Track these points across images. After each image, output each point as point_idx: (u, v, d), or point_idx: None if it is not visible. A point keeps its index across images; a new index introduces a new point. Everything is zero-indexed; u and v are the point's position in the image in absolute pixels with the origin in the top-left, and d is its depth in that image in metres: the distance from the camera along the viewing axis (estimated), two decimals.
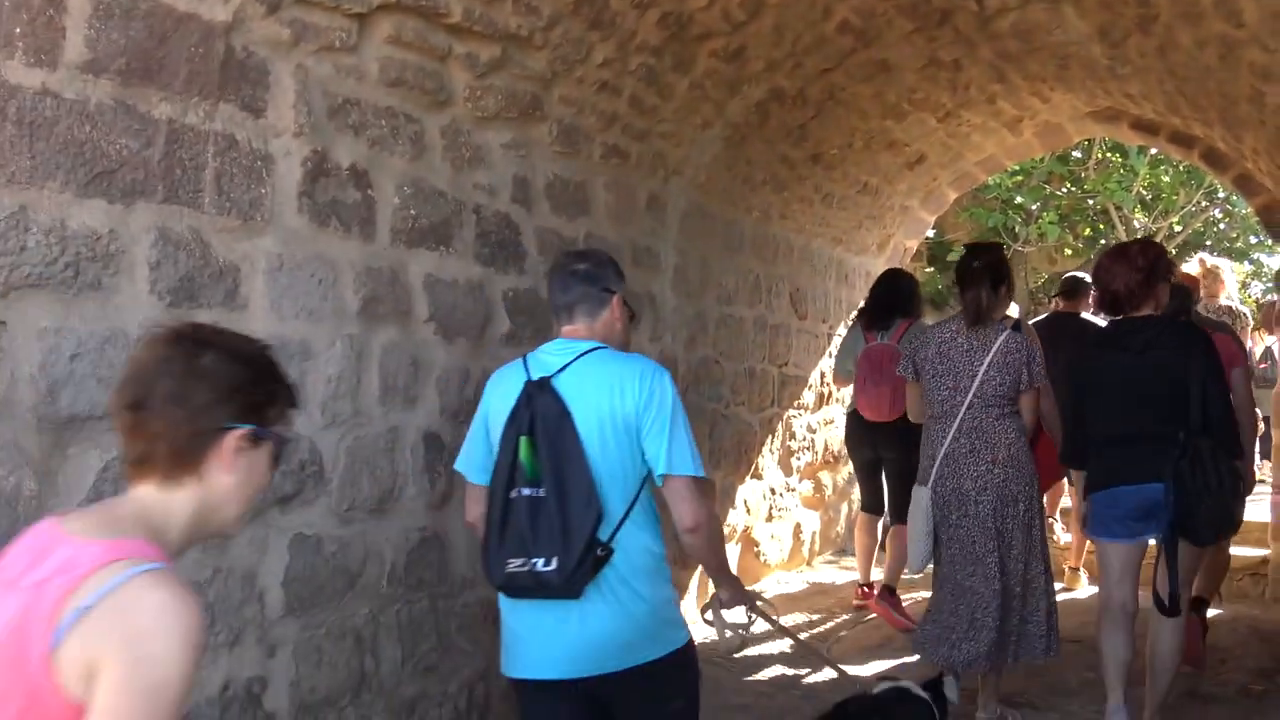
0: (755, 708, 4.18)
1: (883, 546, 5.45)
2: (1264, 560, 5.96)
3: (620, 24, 3.59)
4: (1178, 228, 13.69)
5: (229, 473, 1.36)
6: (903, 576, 5.14)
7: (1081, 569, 5.84)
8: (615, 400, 2.28)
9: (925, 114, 5.82)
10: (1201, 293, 6.00)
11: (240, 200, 2.52)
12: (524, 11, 3.20)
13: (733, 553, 5.63)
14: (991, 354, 3.60)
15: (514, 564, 2.26)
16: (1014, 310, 5.03)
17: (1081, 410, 3.57)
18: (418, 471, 3.14)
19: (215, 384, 1.34)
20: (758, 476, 5.83)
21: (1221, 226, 14.81)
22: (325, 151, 2.77)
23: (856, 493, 7.31)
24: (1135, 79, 5.34)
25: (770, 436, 5.95)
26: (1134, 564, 3.54)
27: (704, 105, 4.40)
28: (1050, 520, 5.61)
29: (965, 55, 5.09)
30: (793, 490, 6.29)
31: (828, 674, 4.18)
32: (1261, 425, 6.10)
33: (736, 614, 2.67)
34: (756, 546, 5.91)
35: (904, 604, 5.14)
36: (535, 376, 2.33)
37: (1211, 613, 4.80)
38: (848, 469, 7.14)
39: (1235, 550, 5.05)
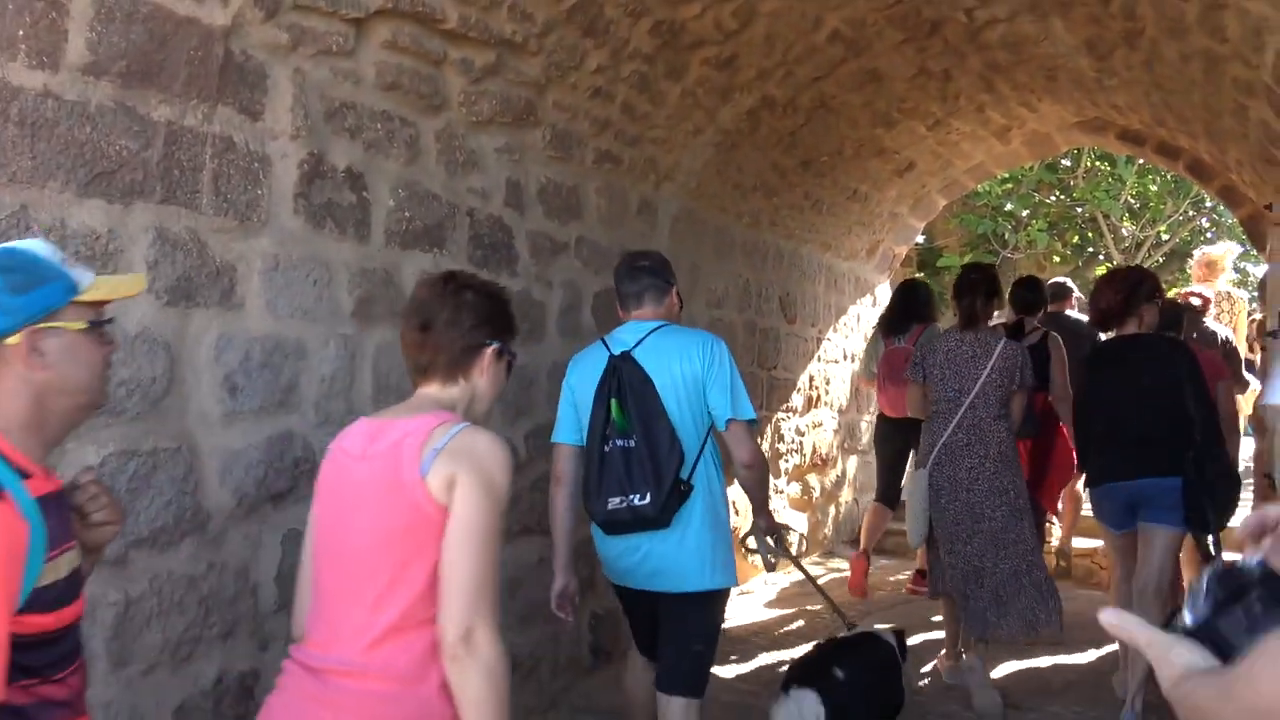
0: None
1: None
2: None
3: (614, 31, 3.64)
4: (1165, 236, 13.81)
5: (484, 376, 1.92)
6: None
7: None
8: (685, 364, 2.82)
9: (915, 122, 5.89)
10: (1213, 309, 6.28)
11: (237, 201, 2.56)
12: (519, 18, 3.25)
13: None
14: (993, 360, 4.01)
15: (614, 502, 2.78)
16: (999, 316, 5.21)
17: (1082, 417, 4.06)
18: None
19: (477, 313, 1.90)
20: None
21: (1209, 235, 14.94)
22: (321, 154, 2.81)
23: (846, 495, 7.43)
24: (1122, 91, 5.42)
25: (759, 438, 6.00)
26: (1128, 549, 3.92)
27: (696, 112, 4.46)
28: (1051, 517, 5.75)
29: (954, 65, 5.16)
30: (780, 493, 6.34)
31: None
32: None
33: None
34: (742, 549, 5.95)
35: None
36: (617, 352, 2.86)
37: None
38: (835, 472, 7.20)
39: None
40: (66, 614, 1.45)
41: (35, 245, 1.53)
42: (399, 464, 1.72)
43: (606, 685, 4.18)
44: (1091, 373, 4.05)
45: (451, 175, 3.33)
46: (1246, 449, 6.93)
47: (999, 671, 4.43)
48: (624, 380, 2.79)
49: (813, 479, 6.86)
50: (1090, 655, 4.78)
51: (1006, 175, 12.26)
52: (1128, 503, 3.78)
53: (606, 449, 2.79)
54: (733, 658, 4.76)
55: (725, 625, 3.63)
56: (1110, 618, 0.93)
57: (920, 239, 14.04)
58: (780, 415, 6.30)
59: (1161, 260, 13.74)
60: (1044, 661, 4.68)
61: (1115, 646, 4.47)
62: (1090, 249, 13.62)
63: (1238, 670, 0.81)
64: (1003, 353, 4.02)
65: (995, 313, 4.41)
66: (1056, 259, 13.49)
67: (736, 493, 3.80)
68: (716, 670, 3.45)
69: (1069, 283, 6.27)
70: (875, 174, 6.43)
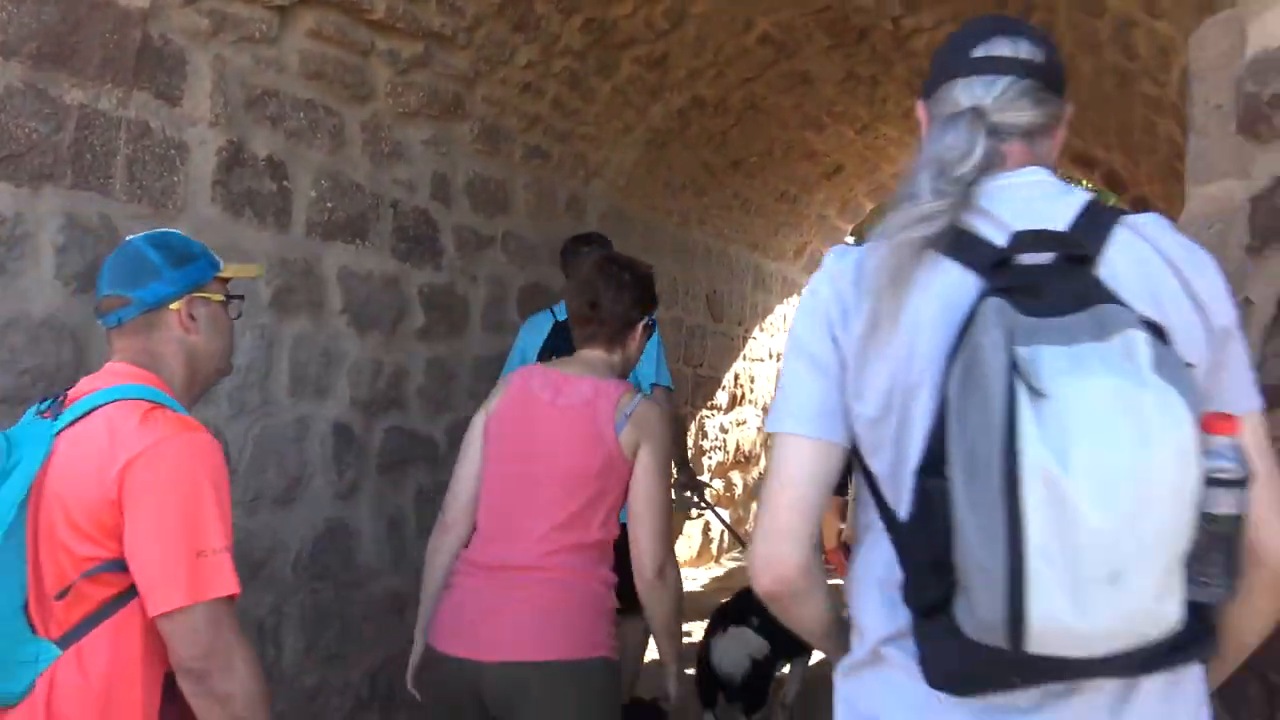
0: None
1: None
2: None
3: (544, 27, 3.64)
4: None
5: (634, 344, 2.27)
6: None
7: None
8: None
9: (843, 126, 5.99)
10: None
11: (152, 188, 2.52)
12: (448, 11, 3.24)
13: None
14: None
15: None
16: None
17: None
18: (326, 461, 3.16)
19: (633, 293, 2.23)
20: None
21: None
22: (241, 142, 2.77)
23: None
24: None
25: (684, 434, 6.06)
26: None
27: (626, 110, 4.48)
28: None
29: (882, 72, 5.26)
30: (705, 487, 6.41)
31: None
32: None
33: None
34: None
35: None
36: (562, 319, 3.25)
37: None
38: (759, 469, 7.31)
39: None
40: None
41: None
42: (595, 419, 2.09)
43: None
44: None
45: (376, 166, 3.31)
46: None
47: None
48: (560, 347, 3.11)
49: (735, 475, 6.95)
50: None
51: None
52: None
53: None
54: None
55: None
56: None
57: (849, 240, 14.30)
58: (705, 413, 6.37)
59: None
60: None
61: None
62: None
63: None
64: None
65: None
66: None
67: None
68: None
69: None
70: (804, 176, 6.53)
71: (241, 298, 1.83)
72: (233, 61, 2.72)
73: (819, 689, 3.41)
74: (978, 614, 0.99)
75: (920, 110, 1.28)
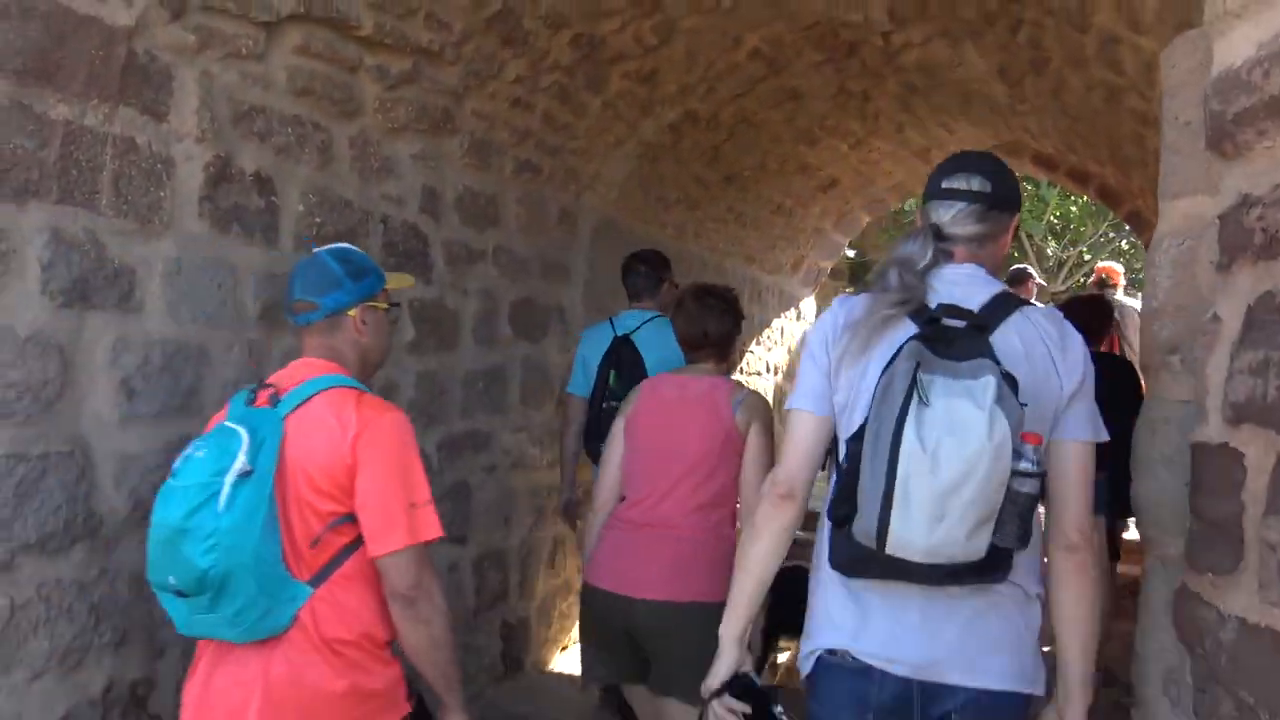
0: None
1: None
2: None
3: (533, 43, 3.67)
4: (1087, 256, 14.24)
5: (736, 352, 2.94)
6: None
7: None
8: (665, 351, 3.51)
9: (837, 140, 6.02)
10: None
11: (138, 203, 2.53)
12: (435, 27, 3.27)
13: None
14: None
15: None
16: None
17: None
18: None
19: (730, 316, 2.83)
20: None
21: (1128, 258, 15.45)
22: (229, 157, 2.79)
23: None
24: (1033, 116, 5.60)
25: None
26: None
27: (617, 124, 4.51)
28: None
29: (873, 86, 5.29)
30: None
31: None
32: None
33: None
34: None
35: None
36: (619, 333, 3.74)
37: None
38: None
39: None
40: None
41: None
42: (715, 407, 2.70)
43: (517, 693, 4.20)
44: None
45: (365, 181, 3.33)
46: None
47: None
48: (621, 358, 3.68)
49: None
50: None
51: None
52: None
53: (604, 406, 3.67)
54: None
55: None
56: None
57: (851, 252, 14.31)
58: None
59: (1084, 280, 14.18)
60: None
61: None
62: (1014, 267, 13.94)
63: None
64: None
65: None
66: None
67: None
68: None
69: (1029, 268, 6.37)
70: (799, 190, 6.55)
71: (398, 305, 2.26)
72: (220, 77, 2.75)
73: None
74: (862, 525, 1.63)
75: (919, 214, 1.94)
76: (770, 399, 7.43)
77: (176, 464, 1.91)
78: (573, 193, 4.60)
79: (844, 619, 1.80)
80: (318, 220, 3.12)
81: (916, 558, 1.58)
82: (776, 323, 7.52)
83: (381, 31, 3.11)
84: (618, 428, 2.83)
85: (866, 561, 1.67)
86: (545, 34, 3.68)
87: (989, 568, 1.62)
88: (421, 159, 3.56)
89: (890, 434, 1.57)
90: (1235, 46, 1.63)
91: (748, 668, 1.99)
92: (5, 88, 2.20)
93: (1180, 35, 1.89)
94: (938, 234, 1.83)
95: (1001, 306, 1.78)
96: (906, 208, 12.32)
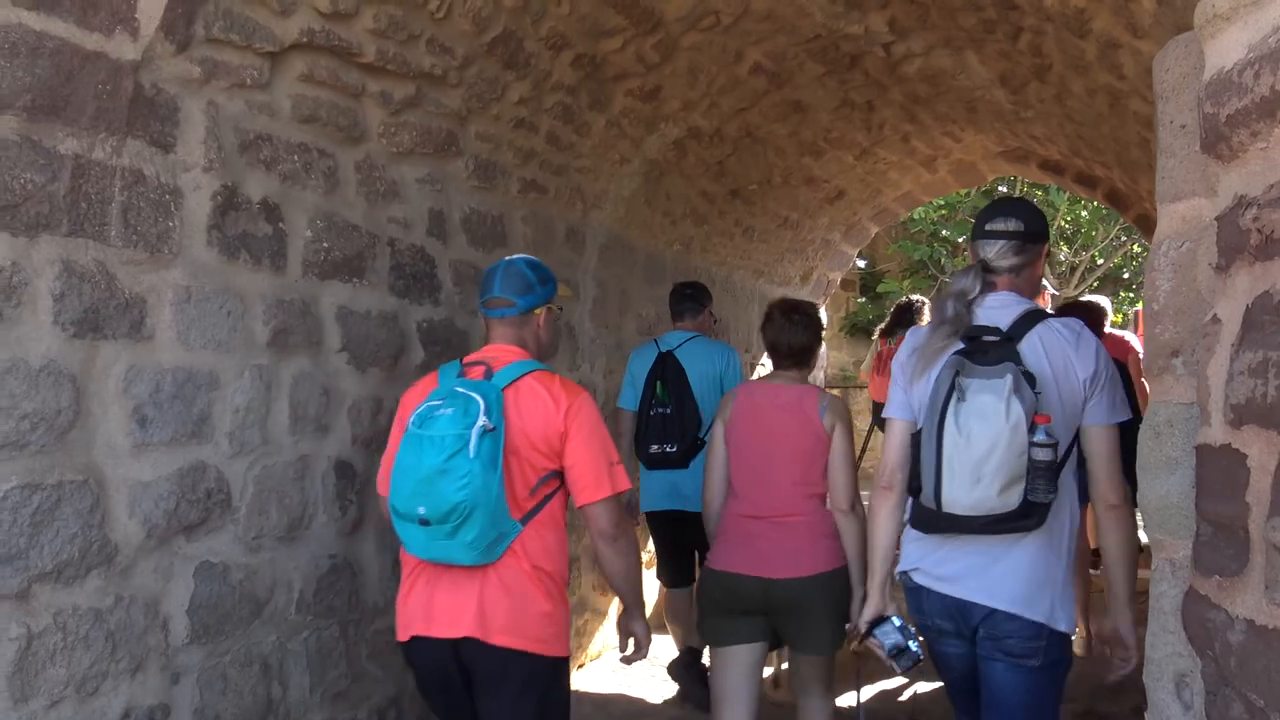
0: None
1: None
2: None
3: (535, 64, 3.70)
4: (1099, 260, 14.18)
5: (815, 363, 3.32)
6: None
7: None
8: (708, 364, 4.18)
9: (842, 152, 6.03)
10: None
11: (148, 233, 2.57)
12: (437, 51, 3.30)
13: (649, 573, 5.72)
14: None
15: (654, 448, 4.23)
16: None
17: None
18: (329, 499, 3.19)
19: (811, 330, 3.27)
20: None
21: (1140, 261, 15.38)
22: (236, 186, 2.83)
23: None
24: (1039, 122, 5.61)
25: None
26: None
27: (621, 142, 4.54)
28: None
29: (877, 97, 5.30)
30: None
31: None
32: None
33: None
34: None
35: None
36: (664, 349, 4.32)
37: None
38: None
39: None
40: None
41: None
42: (805, 411, 3.16)
43: None
44: None
45: (372, 205, 3.36)
46: None
47: None
48: (667, 370, 4.21)
49: None
50: None
51: (942, 202, 12.54)
52: None
53: (652, 413, 4.22)
54: None
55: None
56: None
57: (861, 263, 14.31)
58: None
59: (1096, 285, 14.12)
60: None
61: None
62: None
63: None
64: None
65: None
66: None
67: None
68: None
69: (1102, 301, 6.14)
70: (805, 202, 6.56)
71: (561, 309, 2.80)
72: (225, 107, 2.78)
73: None
74: (926, 493, 2.26)
75: (970, 248, 2.56)
76: None
77: (416, 419, 2.39)
78: (579, 211, 4.62)
79: (916, 557, 2.46)
80: (325, 245, 3.15)
81: (963, 512, 2.19)
82: None
83: (384, 58, 3.14)
84: (718, 434, 3.28)
85: (934, 519, 2.28)
86: (547, 55, 3.71)
87: (1021, 516, 2.18)
88: (427, 182, 3.59)
89: (936, 424, 2.21)
90: (1226, 49, 1.64)
91: (890, 611, 2.60)
92: (15, 124, 2.24)
93: (1172, 39, 1.90)
94: (985, 267, 2.45)
95: (1026, 320, 2.36)
96: (915, 217, 12.32)
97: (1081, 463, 2.39)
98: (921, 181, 7.14)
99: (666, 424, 4.20)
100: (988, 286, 2.42)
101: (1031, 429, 2.12)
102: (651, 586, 5.02)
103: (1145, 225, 6.66)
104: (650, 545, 4.98)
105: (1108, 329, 6.23)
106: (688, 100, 4.59)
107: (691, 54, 4.22)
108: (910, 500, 2.42)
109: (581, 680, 4.78)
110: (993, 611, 2.34)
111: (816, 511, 3.14)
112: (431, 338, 3.64)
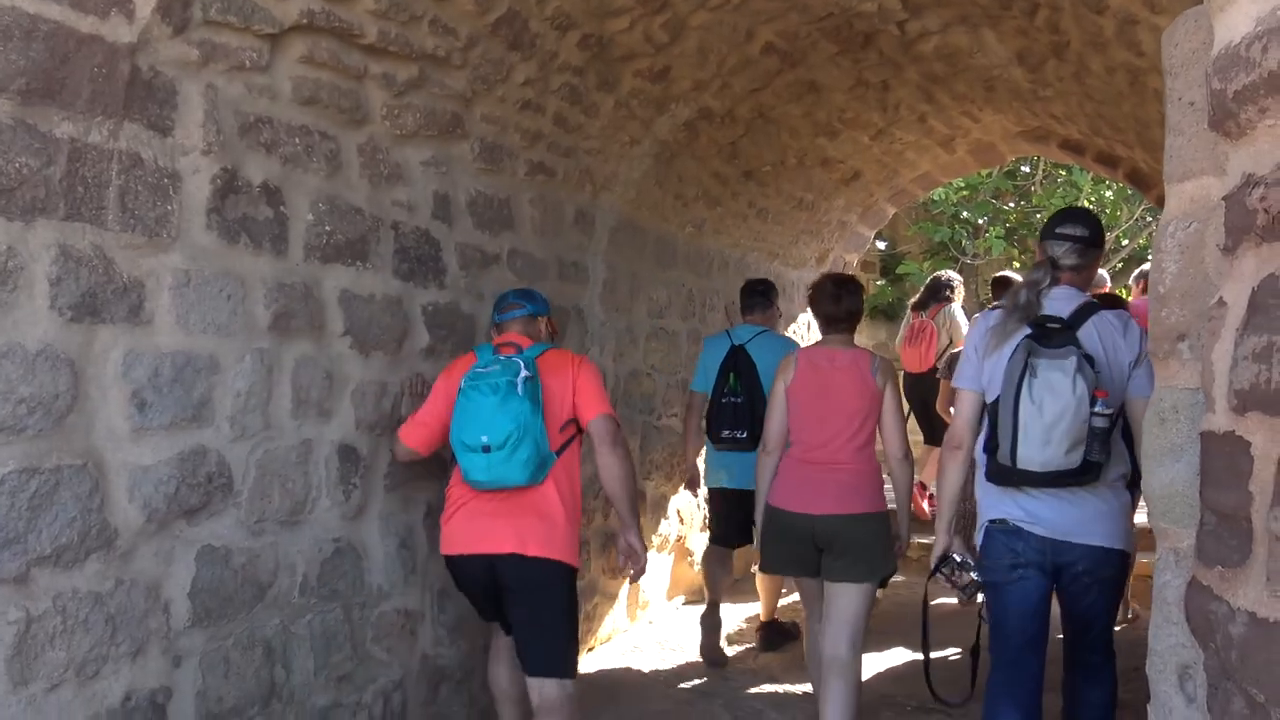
0: (675, 714, 4.26)
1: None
2: None
3: (540, 45, 3.66)
4: (1124, 241, 13.99)
5: (857, 329, 3.88)
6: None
7: None
8: (775, 358, 4.16)
9: (857, 132, 5.95)
10: None
11: (146, 217, 2.56)
12: (441, 32, 3.26)
13: (665, 563, 5.71)
14: None
15: (725, 433, 4.64)
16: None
17: None
18: (332, 483, 3.19)
19: (859, 298, 3.75)
20: None
21: None
22: (235, 169, 2.81)
23: None
24: (1058, 101, 5.50)
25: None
26: None
27: (631, 123, 4.49)
28: None
29: (892, 76, 5.22)
30: None
31: (747, 685, 4.37)
32: None
33: None
34: (690, 556, 5.98)
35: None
36: (736, 343, 4.76)
37: None
38: None
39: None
40: None
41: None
42: (860, 371, 3.59)
43: None
44: None
45: (375, 188, 3.33)
46: None
47: None
48: (739, 363, 4.65)
49: None
50: None
51: (963, 183, 12.39)
52: None
53: (724, 401, 4.64)
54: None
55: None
56: None
57: (881, 245, 14.16)
58: None
59: (1120, 265, 13.91)
60: None
61: None
62: None
63: None
64: None
65: None
66: (1016, 265, 13.63)
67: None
68: None
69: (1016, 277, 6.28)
70: (820, 183, 6.48)
71: (556, 331, 3.64)
72: (224, 90, 2.76)
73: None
74: (1003, 452, 2.72)
75: (1037, 246, 3.04)
76: None
77: (469, 377, 3.07)
78: (589, 193, 4.58)
79: (1001, 506, 2.85)
80: (328, 228, 3.14)
81: (1035, 468, 2.67)
82: (803, 317, 7.45)
83: (386, 39, 3.11)
84: (779, 390, 3.69)
85: (1008, 473, 2.74)
86: (553, 36, 3.67)
87: (1081, 473, 2.67)
88: (432, 164, 3.57)
89: (1013, 396, 2.67)
90: (1235, 22, 1.58)
91: (955, 549, 3.03)
92: (9, 108, 2.23)
93: (1182, 13, 1.84)
94: (1054, 264, 2.89)
95: (1083, 311, 2.82)
96: (936, 198, 12.17)
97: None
98: (940, 162, 7.04)
99: (738, 412, 4.59)
100: (1054, 281, 2.86)
101: (1092, 401, 2.60)
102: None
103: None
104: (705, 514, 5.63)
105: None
106: (698, 81, 4.53)
107: (701, 33, 4.16)
108: (985, 457, 2.85)
109: (592, 662, 4.78)
110: (1088, 546, 2.79)
111: (867, 461, 3.59)
112: (437, 321, 3.62)
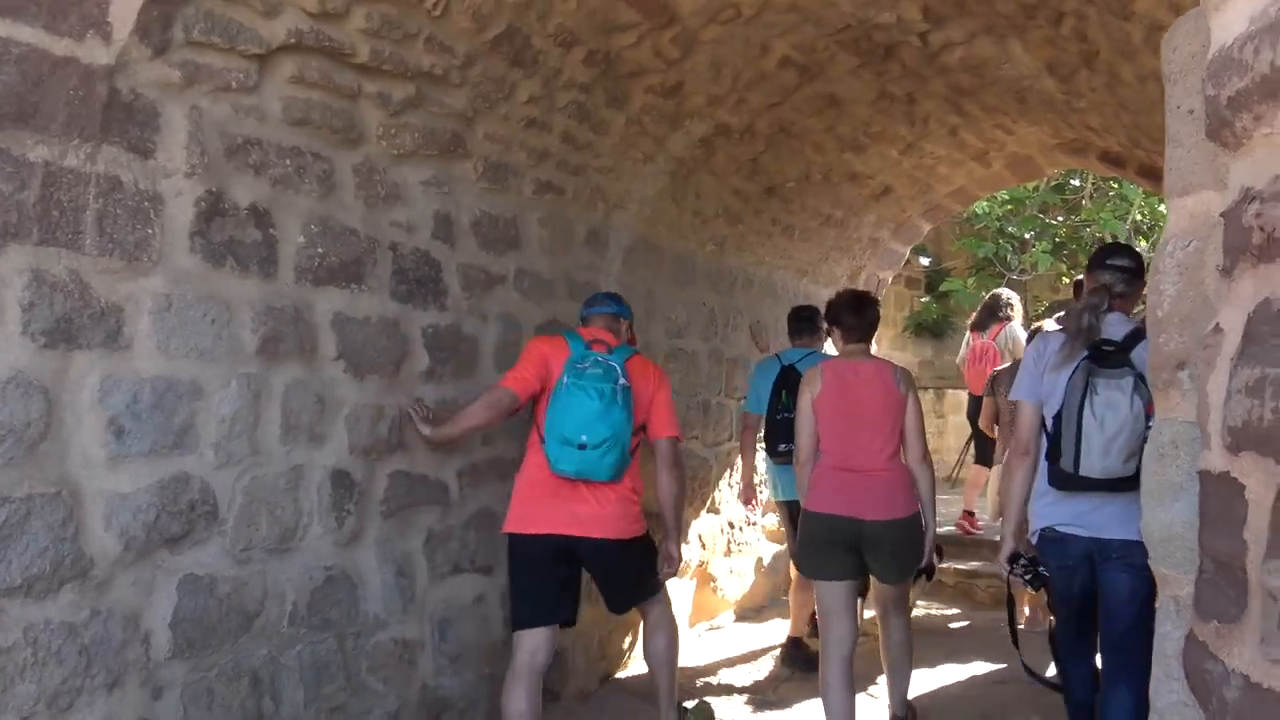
0: None
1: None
2: None
3: (544, 62, 3.59)
4: None
5: (875, 339, 4.35)
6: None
7: None
8: None
9: (885, 146, 5.80)
10: None
11: (125, 241, 2.52)
12: (437, 50, 3.21)
13: (688, 588, 5.58)
14: None
15: (782, 447, 4.86)
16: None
17: None
18: (324, 509, 3.12)
19: (876, 312, 4.03)
20: (714, 511, 5.78)
21: None
22: (221, 191, 2.77)
23: None
24: (1093, 112, 5.31)
25: (729, 470, 5.90)
26: None
27: (643, 140, 4.40)
28: None
29: (917, 89, 5.07)
30: (754, 524, 6.23)
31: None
32: None
33: None
34: (713, 582, 5.84)
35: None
36: (785, 363, 5.07)
37: None
38: None
39: None
40: None
41: None
42: (885, 381, 3.79)
43: None
44: None
45: (372, 209, 3.28)
46: None
47: None
48: (789, 381, 4.82)
49: None
50: None
51: (1007, 197, 12.11)
52: None
53: (778, 417, 4.93)
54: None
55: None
56: None
57: (925, 261, 13.91)
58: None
59: None
60: None
61: None
62: None
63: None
64: None
65: None
66: (1065, 280, 13.28)
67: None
68: None
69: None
70: (849, 199, 6.34)
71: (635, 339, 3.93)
72: (210, 112, 2.73)
73: None
74: (1066, 460, 2.98)
75: (1086, 276, 3.32)
76: None
77: (572, 372, 3.37)
78: (601, 212, 4.50)
79: (1051, 513, 3.11)
80: (320, 250, 3.08)
81: (1095, 475, 2.92)
82: None
83: (379, 58, 3.06)
84: (805, 403, 3.84)
85: (1071, 479, 2.97)
86: (557, 52, 3.60)
87: (1135, 480, 2.62)
88: (432, 184, 3.51)
89: (1077, 410, 2.93)
90: (1229, 22, 1.45)
91: (1021, 551, 3.21)
92: None
93: (1183, 16, 1.71)
94: (1109, 291, 3.12)
95: (1135, 336, 2.99)
96: (979, 212, 11.92)
97: None
98: (975, 176, 6.84)
99: (791, 426, 4.74)
100: (1109, 306, 3.11)
101: (1148, 417, 2.80)
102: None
103: None
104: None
105: None
106: (713, 96, 4.43)
107: (713, 48, 4.06)
108: (1046, 464, 3.09)
109: (612, 689, 4.66)
110: (1124, 540, 2.94)
111: (897, 466, 3.77)
112: (437, 343, 3.55)
